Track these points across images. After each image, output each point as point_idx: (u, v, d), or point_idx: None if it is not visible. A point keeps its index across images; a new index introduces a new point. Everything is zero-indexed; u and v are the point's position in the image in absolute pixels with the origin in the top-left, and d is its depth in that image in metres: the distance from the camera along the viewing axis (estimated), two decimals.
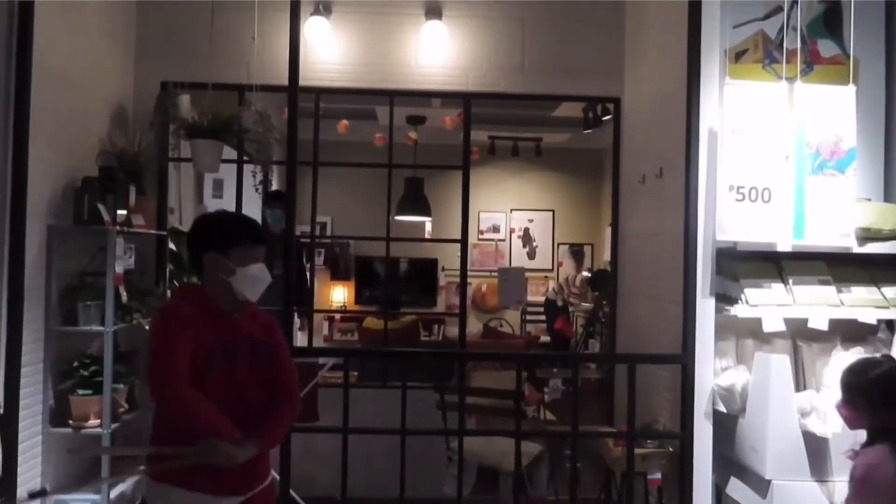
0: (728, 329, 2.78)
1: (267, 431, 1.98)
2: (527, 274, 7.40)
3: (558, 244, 7.56)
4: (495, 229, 7.52)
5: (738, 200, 2.59)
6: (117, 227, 2.93)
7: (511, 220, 7.56)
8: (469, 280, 7.46)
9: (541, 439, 3.34)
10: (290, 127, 2.69)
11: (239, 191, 3.70)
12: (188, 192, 4.33)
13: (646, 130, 3.54)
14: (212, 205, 4.65)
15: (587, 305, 6.55)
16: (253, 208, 3.78)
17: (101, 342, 2.88)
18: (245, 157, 3.67)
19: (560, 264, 7.52)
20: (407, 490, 2.77)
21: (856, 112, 2.66)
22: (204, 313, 1.96)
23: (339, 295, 7.19)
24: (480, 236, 7.49)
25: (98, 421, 2.84)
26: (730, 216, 2.59)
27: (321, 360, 3.48)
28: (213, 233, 2.02)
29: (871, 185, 3.07)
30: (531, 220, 7.56)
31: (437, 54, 3.78)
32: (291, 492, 2.80)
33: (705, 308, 2.67)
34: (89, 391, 2.84)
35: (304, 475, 3.10)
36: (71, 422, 2.84)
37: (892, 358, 2.14)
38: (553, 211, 7.55)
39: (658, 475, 2.66)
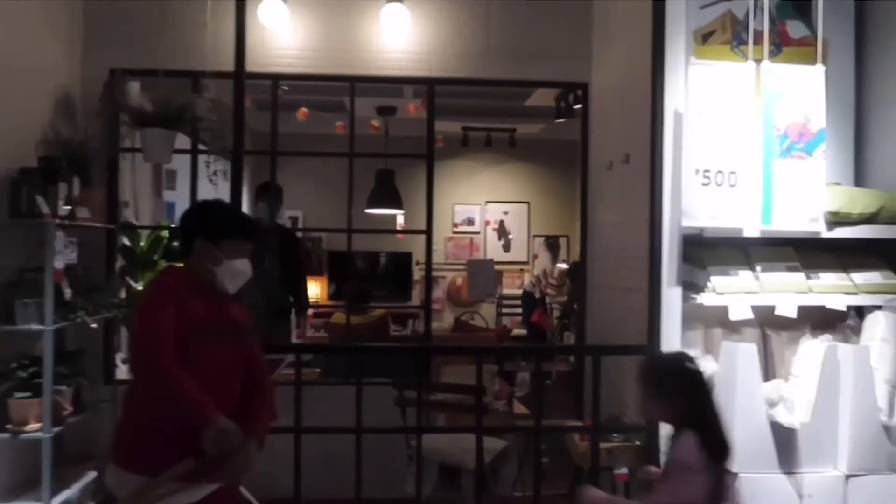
0: (696, 318, 2.69)
1: (261, 427, 1.94)
2: (503, 267, 7.40)
3: (534, 236, 7.47)
4: (470, 222, 7.41)
5: (704, 185, 2.50)
6: (57, 220, 2.77)
7: (486, 212, 7.45)
8: (444, 274, 7.48)
9: (508, 435, 3.24)
10: (235, 115, 2.57)
11: (194, 182, 3.55)
12: (145, 184, 4.17)
13: (613, 116, 3.45)
14: (166, 197, 4.50)
15: (563, 298, 6.47)
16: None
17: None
18: (201, 147, 3.53)
19: (535, 256, 7.43)
20: (369, 490, 2.67)
21: (825, 95, 2.59)
22: (191, 288, 1.95)
23: (312, 290, 7.03)
24: (455, 229, 7.38)
25: (38, 425, 2.69)
26: (696, 201, 2.50)
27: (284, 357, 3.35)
28: (209, 221, 2.05)
29: (841, 170, 3.00)
30: (506, 213, 7.45)
31: (398, 39, 3.65)
32: (242, 489, 2.68)
33: (671, 297, 2.58)
34: (28, 393, 2.69)
35: (264, 475, 2.98)
36: (9, 426, 2.69)
37: (684, 353, 2.20)
38: (528, 203, 7.45)
39: (625, 470, 2.57)
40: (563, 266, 6.82)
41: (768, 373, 2.64)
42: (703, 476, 1.79)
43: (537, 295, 6.59)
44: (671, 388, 1.93)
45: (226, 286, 2.00)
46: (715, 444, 1.85)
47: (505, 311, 7.09)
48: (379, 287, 6.74)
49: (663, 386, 1.95)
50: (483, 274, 4.72)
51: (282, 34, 3.65)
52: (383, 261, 7.21)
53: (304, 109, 5.11)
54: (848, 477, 2.37)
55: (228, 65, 3.13)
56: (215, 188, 3.48)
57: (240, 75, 2.60)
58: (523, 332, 6.52)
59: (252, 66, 3.61)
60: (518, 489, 3.16)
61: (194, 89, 3.45)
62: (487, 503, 2.83)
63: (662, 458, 2.56)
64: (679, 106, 2.61)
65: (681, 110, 2.60)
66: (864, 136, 3.02)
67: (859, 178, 3.01)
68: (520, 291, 7.07)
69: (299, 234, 6.91)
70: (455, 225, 7.36)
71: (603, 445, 2.63)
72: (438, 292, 7.12)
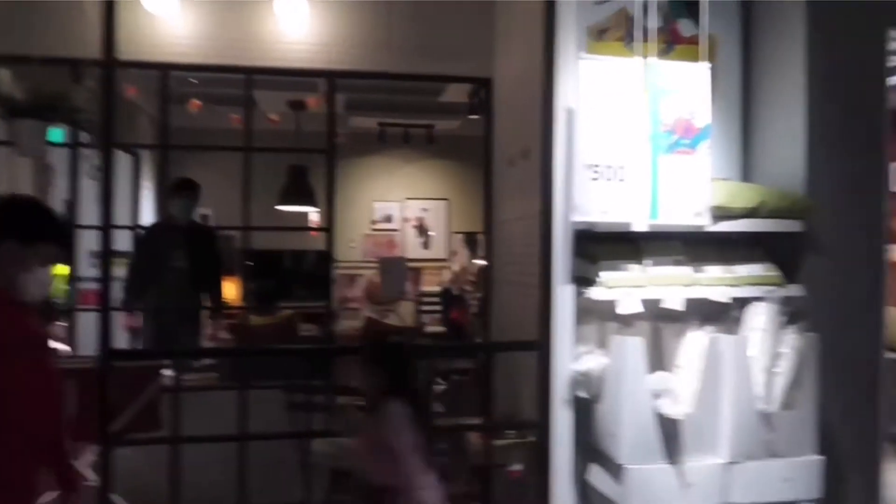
0: (591, 313, 2.70)
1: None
2: (422, 265, 7.37)
3: (453, 233, 7.46)
4: (389, 219, 7.34)
5: (593, 179, 2.51)
6: None
7: (405, 209, 7.39)
8: (362, 272, 7.36)
9: None
10: (103, 105, 2.39)
11: (73, 178, 3.33)
12: (25, 180, 3.89)
13: (514, 111, 3.44)
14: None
15: (481, 294, 6.48)
16: (85, 198, 3.40)
17: None
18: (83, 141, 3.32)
19: (455, 253, 7.43)
20: (261, 498, 2.56)
21: (715, 92, 2.65)
22: None
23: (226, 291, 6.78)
24: (374, 226, 7.28)
25: None
26: (586, 196, 2.51)
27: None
28: (23, 220, 1.81)
29: (729, 166, 3.09)
30: (426, 210, 7.43)
31: (297, 30, 3.54)
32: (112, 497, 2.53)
33: (563, 292, 2.58)
34: None
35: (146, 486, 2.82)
36: None
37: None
38: (447, 199, 7.44)
39: (518, 467, 2.55)
40: (482, 263, 6.85)
41: (662, 365, 2.68)
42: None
43: (456, 292, 6.59)
44: (379, 363, 2.35)
45: (32, 295, 1.77)
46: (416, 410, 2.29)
47: (425, 308, 7.06)
48: (296, 287, 6.57)
49: (373, 361, 2.37)
50: (396, 272, 4.67)
51: (172, 22, 3.47)
52: (300, 260, 7.03)
53: (195, 101, 4.89)
54: (728, 464, 2.42)
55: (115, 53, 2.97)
56: (96, 185, 3.28)
57: (110, 63, 2.42)
58: (442, 329, 6.51)
59: (141, 54, 3.41)
60: None
61: (75, 78, 3.23)
62: None
63: (555, 455, 2.57)
64: (571, 102, 2.61)
65: (573, 106, 2.60)
66: (751, 133, 3.12)
67: (746, 174, 3.11)
68: (439, 289, 7.05)
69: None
70: (374, 222, 7.27)
71: (498, 443, 2.61)
72: (357, 291, 7.02)
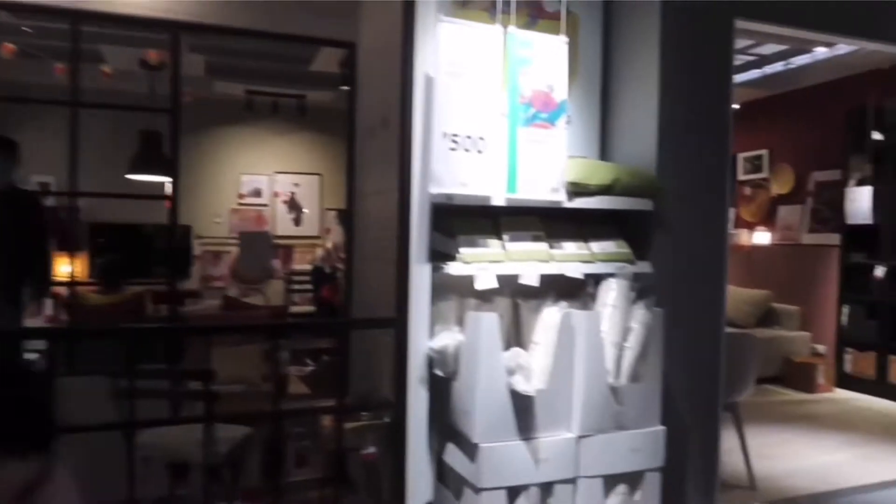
0: (451, 289, 2.63)
1: None
2: (294, 242, 7.08)
3: (326, 209, 7.22)
4: (258, 193, 6.96)
5: (452, 150, 2.42)
6: None
7: (275, 183, 7.04)
8: (228, 248, 6.95)
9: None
10: None
11: None
12: None
13: (375, 78, 3.29)
14: None
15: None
16: None
17: None
18: None
19: (328, 231, 7.19)
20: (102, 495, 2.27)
21: (575, 72, 2.63)
22: None
23: (68, 268, 6.14)
24: (241, 201, 6.88)
25: None
26: (444, 167, 2.41)
27: None
28: None
29: (589, 146, 3.12)
30: (297, 185, 7.11)
31: None
32: None
33: (420, 267, 2.49)
34: None
35: None
36: None
37: None
38: (321, 175, 7.17)
39: (372, 449, 2.45)
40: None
41: (519, 342, 2.66)
42: None
43: (328, 270, 6.37)
44: None
45: None
46: None
47: (296, 287, 6.78)
48: (152, 263, 6.07)
49: None
50: (258, 248, 4.39)
51: None
52: (156, 234, 6.50)
53: (8, 45, 4.30)
54: (579, 438, 2.45)
55: None
56: None
57: None
58: (312, 308, 6.28)
59: None
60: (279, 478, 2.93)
61: None
62: (226, 498, 2.56)
63: (411, 435, 2.48)
64: (430, 69, 2.50)
65: (432, 73, 2.49)
66: (609, 112, 3.16)
67: (604, 152, 3.15)
68: (311, 267, 6.80)
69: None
70: (241, 196, 6.86)
71: (350, 425, 2.48)
72: (224, 268, 6.61)
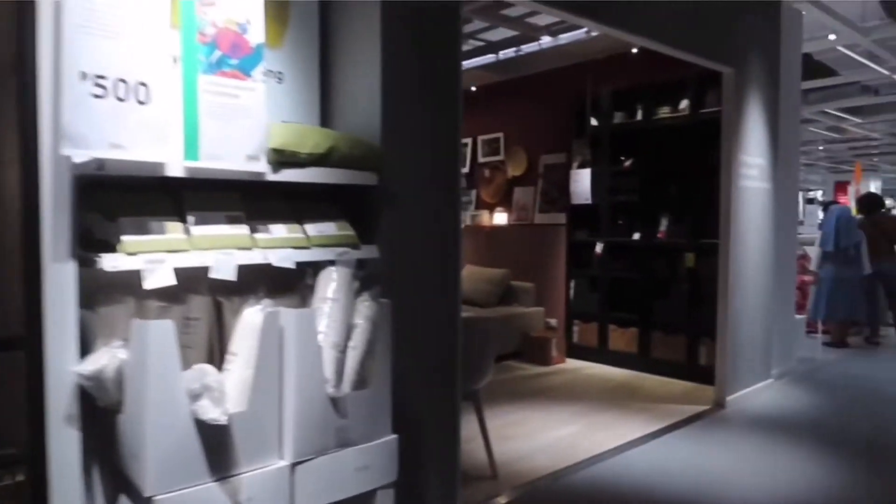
0: (127, 289, 1.94)
1: None
2: None
3: None
4: None
5: (97, 97, 1.73)
6: None
7: None
8: None
9: None
10: None
11: None
12: None
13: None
14: None
15: None
16: None
17: None
18: None
19: None
20: None
21: (282, 14, 2.09)
22: None
23: None
24: None
25: None
26: (86, 122, 1.72)
27: None
28: None
29: (307, 111, 2.64)
30: None
31: None
32: None
33: (59, 265, 1.78)
34: None
35: None
36: None
37: None
38: None
39: None
40: None
41: (224, 353, 2.09)
42: None
43: None
44: None
45: None
46: None
47: None
48: None
49: None
50: None
51: None
52: None
53: None
54: (294, 465, 1.97)
55: None
56: None
57: None
58: None
59: None
60: None
61: None
62: None
63: (55, 497, 1.78)
64: None
65: None
66: (330, 76, 2.71)
67: (325, 121, 2.70)
68: None
69: None
70: None
71: None
72: None
